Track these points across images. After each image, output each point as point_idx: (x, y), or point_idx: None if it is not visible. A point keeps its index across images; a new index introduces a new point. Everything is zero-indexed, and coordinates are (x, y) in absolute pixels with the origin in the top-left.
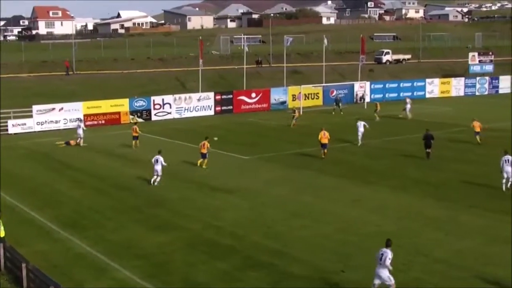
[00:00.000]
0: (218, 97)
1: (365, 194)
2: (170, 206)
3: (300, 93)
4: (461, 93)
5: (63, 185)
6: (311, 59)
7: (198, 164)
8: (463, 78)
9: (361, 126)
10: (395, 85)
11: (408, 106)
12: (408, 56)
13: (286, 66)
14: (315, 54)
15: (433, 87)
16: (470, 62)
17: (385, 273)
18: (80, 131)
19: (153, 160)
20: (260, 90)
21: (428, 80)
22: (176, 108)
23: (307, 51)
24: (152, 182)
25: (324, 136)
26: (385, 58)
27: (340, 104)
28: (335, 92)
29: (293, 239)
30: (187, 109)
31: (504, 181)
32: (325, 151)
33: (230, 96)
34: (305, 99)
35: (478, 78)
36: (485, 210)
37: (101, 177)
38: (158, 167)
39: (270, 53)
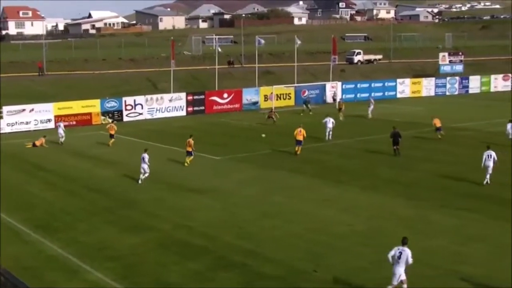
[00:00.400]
0: (190, 97)
1: (336, 194)
2: (142, 207)
3: (272, 93)
4: (432, 93)
5: (34, 186)
6: (283, 60)
7: (185, 163)
8: (433, 78)
9: (329, 122)
10: (366, 85)
11: (372, 106)
12: (379, 56)
13: (258, 66)
14: (287, 55)
15: (404, 87)
16: (440, 62)
17: (401, 271)
18: (61, 131)
19: (141, 158)
20: (232, 90)
21: (399, 80)
22: (148, 108)
23: (279, 51)
24: (138, 180)
25: (300, 133)
26: (356, 59)
27: (309, 105)
28: (306, 93)
29: (265, 239)
30: (159, 110)
31: (488, 176)
32: (299, 148)
33: (202, 96)
34: (277, 100)
35: (448, 78)
36: (456, 209)
37: (72, 178)
38: (144, 165)
39: (242, 54)
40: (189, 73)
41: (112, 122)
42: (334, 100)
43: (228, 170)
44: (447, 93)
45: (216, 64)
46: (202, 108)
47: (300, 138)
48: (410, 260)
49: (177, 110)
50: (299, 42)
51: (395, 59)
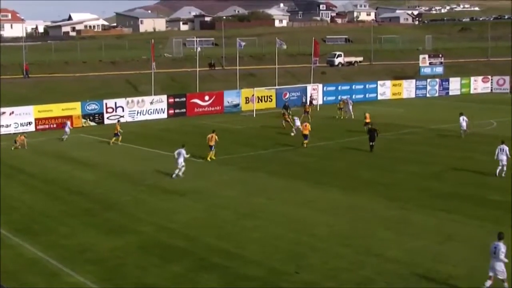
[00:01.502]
0: (171, 100)
1: (317, 195)
2: (123, 209)
3: (253, 95)
4: (412, 95)
5: (14, 190)
6: (264, 62)
7: (208, 158)
8: (414, 80)
9: (297, 121)
10: (347, 87)
11: (350, 106)
12: (360, 59)
13: (239, 68)
14: (268, 57)
15: (385, 89)
16: (420, 64)
17: (500, 266)
18: (67, 129)
19: (175, 154)
20: (213, 92)
21: (380, 82)
22: (129, 111)
23: (260, 53)
24: (174, 175)
25: (306, 128)
26: (337, 61)
27: (289, 110)
28: (288, 95)
29: (246, 240)
30: (140, 112)
31: (499, 168)
32: (306, 141)
33: (183, 99)
34: (258, 102)
35: (428, 80)
36: (436, 209)
37: (53, 181)
38: (180, 160)
39: (223, 56)
40: (170, 76)
41: (118, 121)
42: (311, 103)
43: (210, 172)
44: (428, 95)
45: (197, 66)
46: (183, 110)
47: (306, 132)
48: (502, 255)
49: (158, 113)
50: (284, 45)
51: (376, 61)
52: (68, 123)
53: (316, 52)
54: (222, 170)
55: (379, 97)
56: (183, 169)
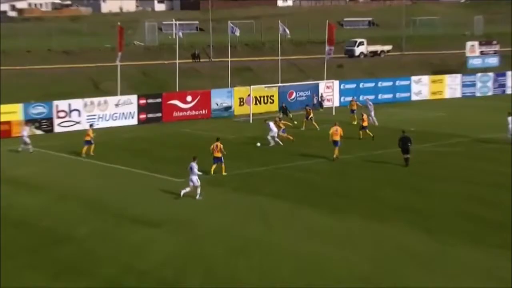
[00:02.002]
0: (142, 101)
1: (331, 224)
2: (78, 244)
3: (249, 95)
4: (458, 94)
5: None
6: (264, 52)
7: (212, 171)
8: (459, 75)
9: (272, 126)
10: (371, 84)
11: (372, 111)
12: (388, 48)
13: (231, 60)
14: (268, 46)
15: (421, 87)
16: (468, 54)
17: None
18: (26, 137)
19: (188, 169)
20: (197, 92)
21: (414, 78)
22: (87, 116)
23: (258, 41)
24: (182, 193)
25: (336, 132)
26: (358, 50)
27: (288, 112)
28: (294, 95)
29: (239, 284)
30: (102, 118)
31: None
32: (337, 150)
33: (159, 100)
34: (256, 104)
35: (479, 74)
36: (484, 244)
37: None
38: (193, 177)
39: (211, 44)
40: (141, 70)
41: (90, 126)
42: (320, 105)
43: (191, 195)
44: (478, 94)
45: (176, 58)
46: (159, 115)
47: (337, 138)
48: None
49: (125, 118)
50: (287, 31)
51: (409, 51)
52: (27, 128)
53: (331, 40)
54: (208, 193)
55: (413, 97)
56: (198, 189)
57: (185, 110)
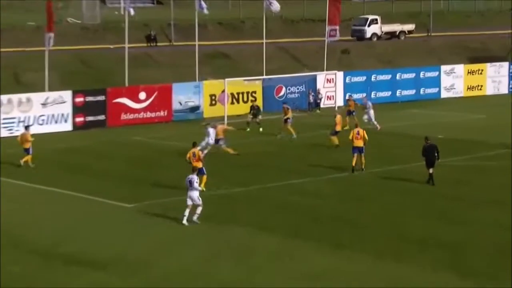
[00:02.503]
0: (79, 99)
1: (334, 264)
2: None
3: (223, 91)
4: (504, 90)
5: None
6: (243, 34)
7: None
8: (506, 64)
9: (211, 133)
10: (387, 76)
11: (371, 112)
12: (409, 27)
13: (199, 45)
14: (249, 25)
15: (454, 80)
16: None
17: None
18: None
19: (186, 182)
20: (154, 87)
21: (444, 68)
22: (4, 119)
23: (236, 19)
24: (184, 220)
25: (358, 137)
26: (370, 31)
27: (258, 115)
28: (283, 90)
29: None
30: (24, 121)
31: None
32: (362, 158)
33: (102, 97)
34: (232, 103)
35: None
36: None
37: None
38: (193, 194)
39: (172, 23)
40: (77, 57)
41: (26, 128)
42: (317, 104)
43: (147, 225)
44: None
45: (125, 41)
46: (102, 117)
47: (360, 143)
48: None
49: (56, 122)
50: (274, 5)
51: (437, 32)
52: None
53: (333, 18)
54: (168, 222)
55: (444, 94)
56: (199, 209)
57: (138, 111)
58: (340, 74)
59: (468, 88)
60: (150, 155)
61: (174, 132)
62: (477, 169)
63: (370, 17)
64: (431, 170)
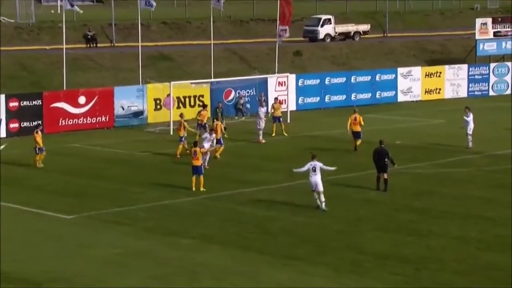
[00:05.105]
0: (13, 103)
1: (290, 279)
2: None
3: (169, 95)
4: (463, 93)
5: None
6: (190, 34)
7: (193, 187)
8: (465, 66)
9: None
10: (341, 79)
11: (261, 112)
12: (365, 28)
13: (142, 46)
14: (196, 25)
15: (412, 83)
16: (478, 37)
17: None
18: None
19: (309, 168)
20: (94, 90)
21: (402, 71)
22: None
23: (182, 18)
24: (318, 206)
25: (356, 122)
26: (323, 32)
27: (223, 117)
28: (232, 94)
29: None
30: None
31: None
32: (358, 143)
33: (38, 102)
34: (178, 107)
35: (493, 65)
36: None
37: None
38: (318, 178)
39: (113, 22)
40: (11, 58)
41: (38, 128)
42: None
43: (88, 239)
44: (491, 93)
45: (63, 42)
46: (38, 122)
47: (358, 128)
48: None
49: None
50: (221, 2)
51: (394, 32)
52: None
53: (284, 16)
54: (111, 235)
55: (401, 98)
56: (322, 196)
57: (77, 116)
58: (292, 77)
59: (426, 92)
60: (91, 164)
61: (115, 139)
62: (438, 177)
63: (323, 17)
64: (385, 176)
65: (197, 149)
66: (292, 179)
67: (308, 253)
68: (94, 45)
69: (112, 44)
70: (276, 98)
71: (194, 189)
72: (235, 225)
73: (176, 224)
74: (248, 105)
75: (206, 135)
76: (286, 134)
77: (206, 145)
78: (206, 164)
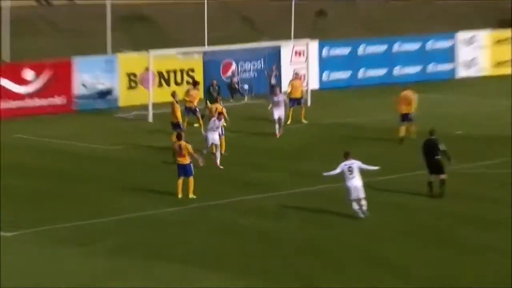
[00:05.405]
0: None
1: None
2: None
3: (147, 69)
4: None
5: None
6: None
7: (179, 192)
8: None
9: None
10: (380, 48)
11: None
12: None
13: (113, 3)
14: None
15: (475, 52)
16: None
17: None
18: None
19: (344, 169)
20: (46, 62)
21: (462, 36)
22: None
23: None
24: (358, 211)
25: (405, 102)
26: None
27: (218, 97)
28: (233, 68)
29: None
30: None
31: None
32: (413, 126)
33: None
34: (161, 85)
35: None
36: None
37: None
38: (358, 182)
39: None
40: None
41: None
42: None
43: (36, 260)
44: None
45: None
46: None
47: (410, 109)
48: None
49: None
50: None
51: None
52: None
53: None
54: (61, 258)
55: (460, 73)
56: (364, 204)
57: (22, 97)
58: (313, 45)
59: (494, 64)
60: (41, 161)
61: (75, 127)
62: (491, 178)
63: None
64: (442, 176)
65: (182, 142)
66: (313, 182)
67: (321, 272)
68: (47, 2)
69: (72, 0)
70: (296, 74)
71: (180, 195)
72: (234, 241)
73: (155, 242)
74: (246, 86)
75: (213, 122)
76: (305, 121)
77: (216, 136)
78: (218, 163)
